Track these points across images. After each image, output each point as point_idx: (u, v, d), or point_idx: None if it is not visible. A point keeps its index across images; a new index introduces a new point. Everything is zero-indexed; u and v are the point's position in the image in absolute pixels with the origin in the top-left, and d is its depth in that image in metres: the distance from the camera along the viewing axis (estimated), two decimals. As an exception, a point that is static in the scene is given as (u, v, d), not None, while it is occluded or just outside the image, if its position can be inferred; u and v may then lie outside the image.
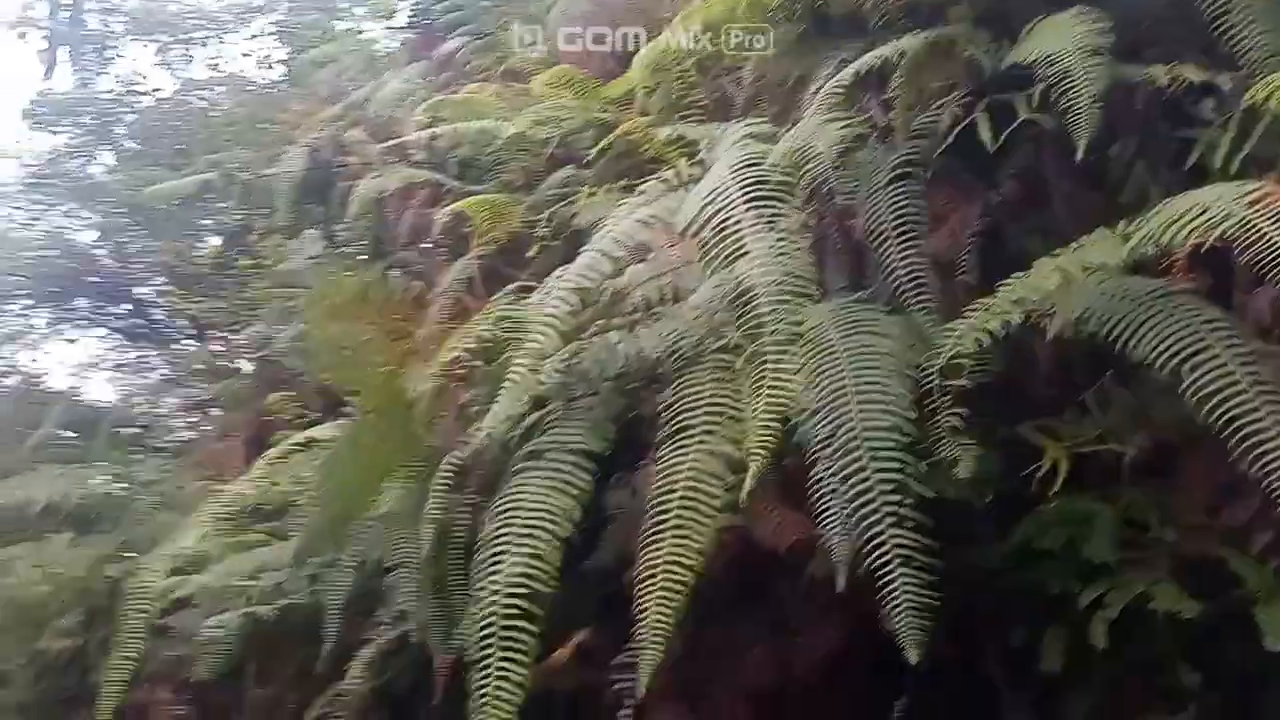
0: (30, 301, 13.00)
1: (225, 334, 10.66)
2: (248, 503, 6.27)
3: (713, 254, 3.29)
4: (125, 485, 8.45)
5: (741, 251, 3.18)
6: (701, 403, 3.29)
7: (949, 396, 3.02)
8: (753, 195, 3.26)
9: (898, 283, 3.40)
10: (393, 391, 4.16)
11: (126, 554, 7.58)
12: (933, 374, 3.07)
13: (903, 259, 3.40)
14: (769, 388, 2.95)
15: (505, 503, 3.41)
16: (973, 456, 2.92)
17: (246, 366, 10.25)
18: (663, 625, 2.93)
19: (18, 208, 13.37)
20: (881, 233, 3.49)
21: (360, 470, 4.37)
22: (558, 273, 3.70)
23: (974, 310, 3.07)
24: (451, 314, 4.91)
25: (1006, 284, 3.06)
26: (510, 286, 4.41)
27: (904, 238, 3.43)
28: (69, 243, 13.45)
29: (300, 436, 5.88)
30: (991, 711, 3.49)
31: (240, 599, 5.75)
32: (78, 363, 13.42)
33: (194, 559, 6.36)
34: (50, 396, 11.65)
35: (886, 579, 2.77)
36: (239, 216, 10.10)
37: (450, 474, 3.86)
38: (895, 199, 3.48)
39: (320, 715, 5.21)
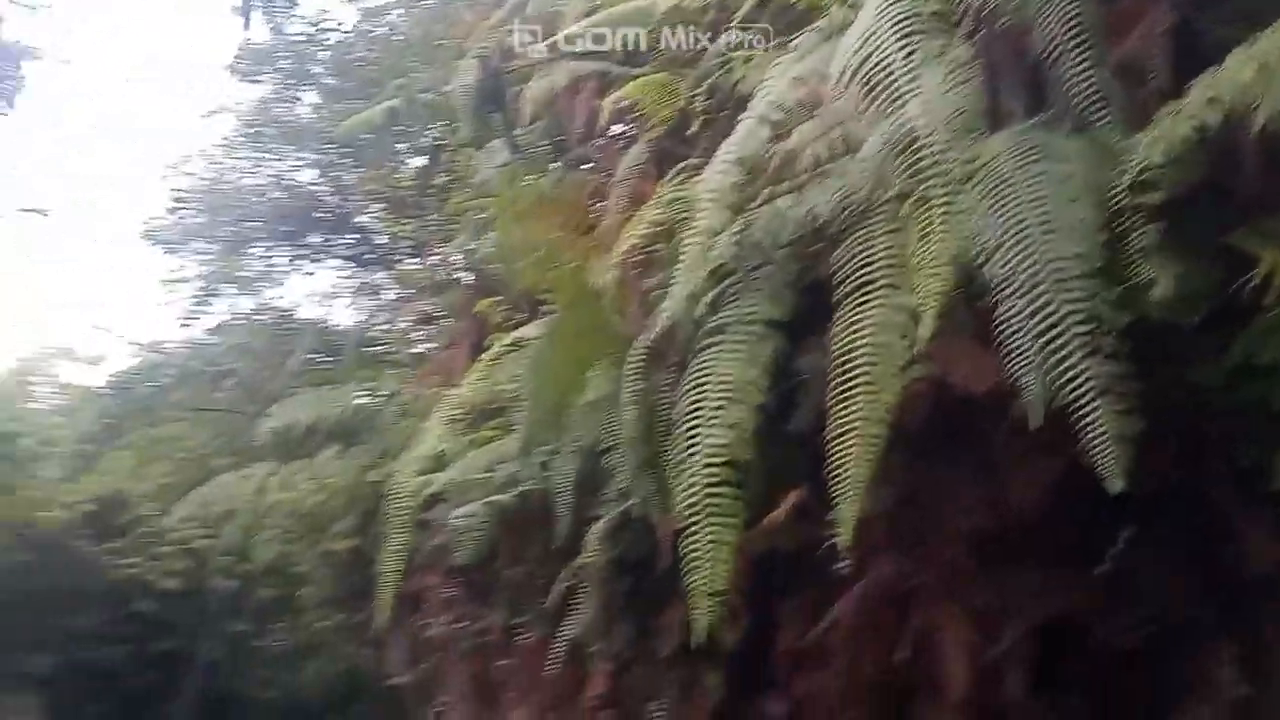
0: (269, 243, 14.20)
1: (439, 249, 11.28)
2: (474, 404, 6.78)
3: (874, 99, 3.17)
4: (374, 399, 9.29)
5: (902, 93, 3.05)
6: (877, 256, 3.23)
7: (1142, 214, 2.81)
8: (906, 32, 3.10)
9: (1078, 100, 3.15)
10: (581, 286, 4.34)
11: (383, 460, 8.39)
12: (1123, 192, 2.87)
13: (1081, 73, 3.14)
14: (939, 231, 2.86)
15: (696, 378, 3.53)
16: (1171, 275, 2.73)
17: (463, 277, 10.86)
18: (858, 480, 2.98)
19: (242, 158, 14.47)
20: (1056, 48, 3.23)
21: (564, 363, 4.62)
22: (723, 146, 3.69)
23: (1163, 117, 2.83)
24: (629, 203, 5.00)
25: (1199, 83, 2.78)
26: (679, 166, 4.43)
27: (1081, 49, 3.16)
28: (292, 183, 14.53)
29: (510, 338, 6.25)
30: (1223, 536, 3.34)
31: (481, 490, 6.26)
32: (318, 293, 14.60)
33: (437, 459, 6.97)
34: (300, 326, 12.88)
35: (1084, 412, 2.67)
36: (431, 135, 10.54)
37: (642, 357, 4.01)
38: (1068, 8, 3.20)
39: (566, 588, 5.66)
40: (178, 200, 14.02)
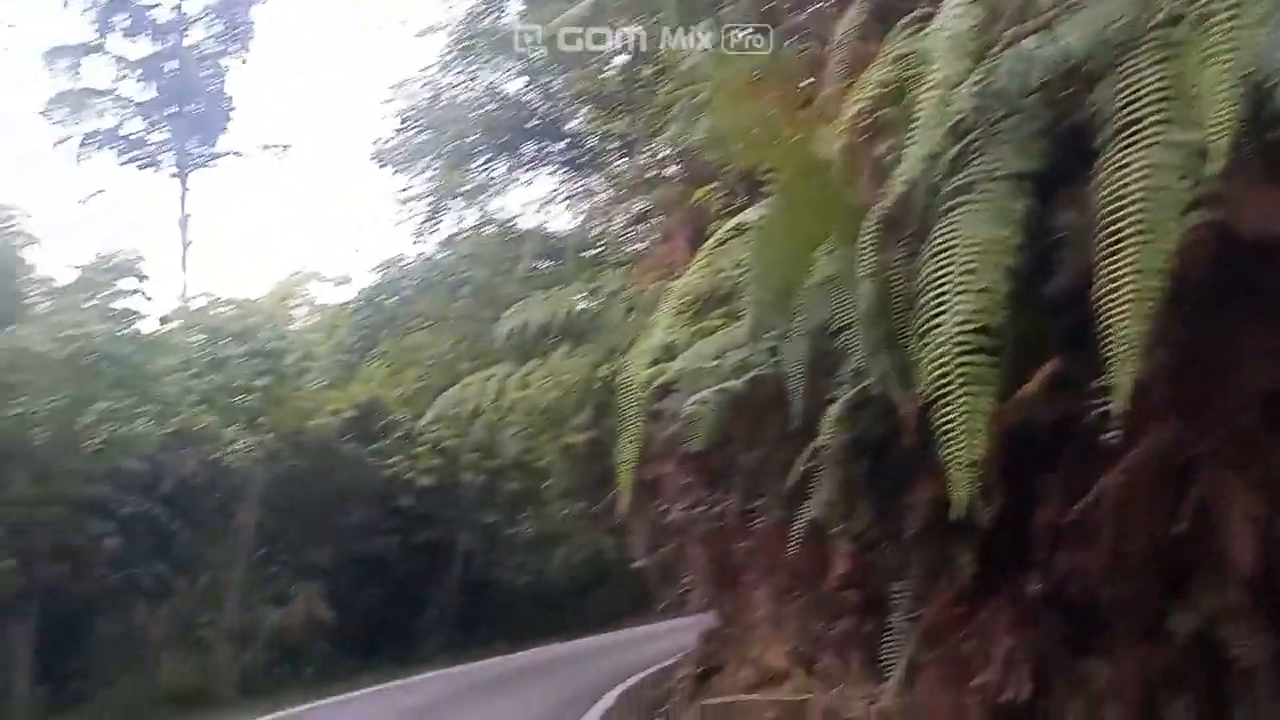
0: (489, 155, 14.65)
1: (649, 144, 11.24)
2: (699, 293, 6.78)
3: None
4: (598, 299, 9.53)
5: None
6: (1147, 91, 2.88)
7: None
8: None
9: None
10: (805, 160, 4.15)
11: (612, 356, 8.62)
12: None
13: None
14: (1224, 51, 2.50)
15: (940, 243, 3.32)
16: None
17: (675, 171, 10.81)
18: (1133, 340, 2.72)
19: (456, 74, 14.88)
20: None
21: (790, 243, 4.48)
22: (954, -11, 3.39)
23: None
24: (849, 68, 4.72)
25: None
26: (905, 20, 4.11)
27: None
28: (503, 95, 14.85)
29: (730, 224, 6.15)
30: None
31: (712, 378, 6.30)
32: (538, 200, 14.99)
33: (666, 350, 7.06)
34: (523, 234, 13.33)
35: None
36: (637, 26, 10.38)
37: (876, 228, 3.82)
38: None
39: (804, 470, 5.64)
40: (402, 121, 14.66)
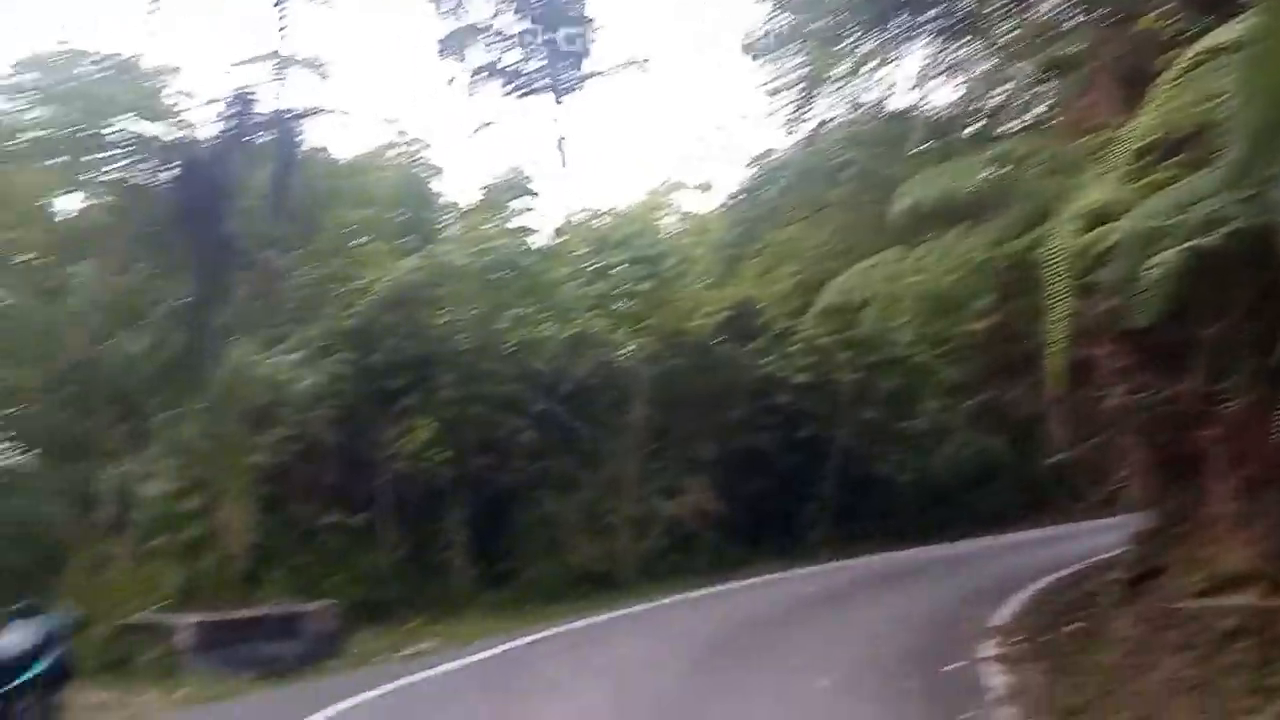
0: (858, 32, 13.81)
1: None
2: (1146, 142, 5.86)
3: None
4: (1002, 169, 8.64)
5: None
6: None
7: None
8: None
9: None
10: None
11: (1024, 229, 7.79)
12: None
13: None
14: None
15: None
16: None
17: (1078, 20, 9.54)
18: None
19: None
20: None
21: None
22: None
23: None
24: None
25: None
26: None
27: None
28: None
29: (1196, 49, 5.18)
30: None
31: (1170, 239, 5.43)
32: (914, 75, 13.95)
33: (1101, 213, 6.22)
34: (904, 112, 12.50)
35: None
36: None
37: None
38: None
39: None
40: (769, 10, 14.16)
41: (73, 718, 7.67)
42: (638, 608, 14.18)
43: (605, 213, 20.16)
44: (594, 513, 17.38)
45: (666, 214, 22.63)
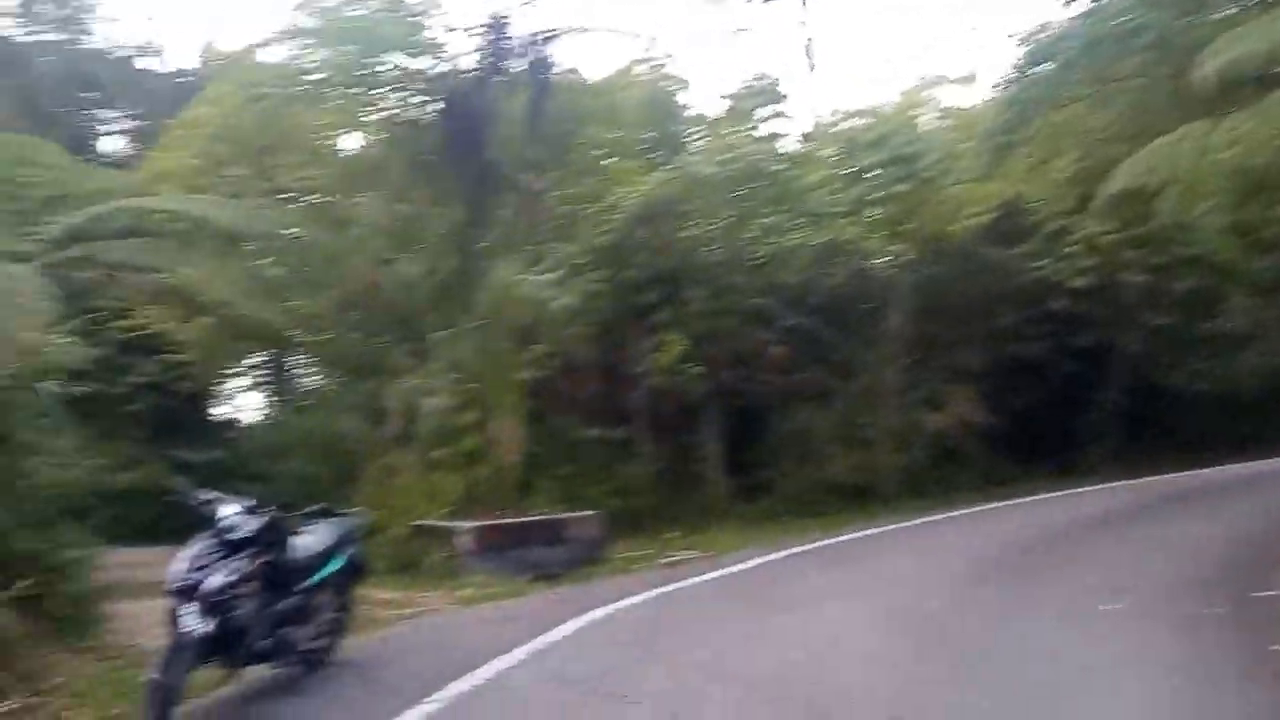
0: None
1: None
2: None
3: None
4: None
5: None
6: None
7: None
8: None
9: None
10: None
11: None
12: None
13: None
14: None
15: None
16: None
17: None
18: None
19: None
20: None
21: None
22: None
23: None
24: None
25: None
26: None
27: None
28: None
29: None
30: None
31: None
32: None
33: None
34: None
35: None
36: None
37: None
38: None
39: None
40: None
41: (369, 612, 8.37)
42: (900, 524, 13.71)
43: (857, 113, 19.14)
44: (850, 425, 16.94)
45: (924, 111, 21.19)
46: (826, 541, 12.38)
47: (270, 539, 5.98)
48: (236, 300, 10.99)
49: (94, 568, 7.45)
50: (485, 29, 14.04)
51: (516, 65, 14.37)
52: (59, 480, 7.61)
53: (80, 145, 20.04)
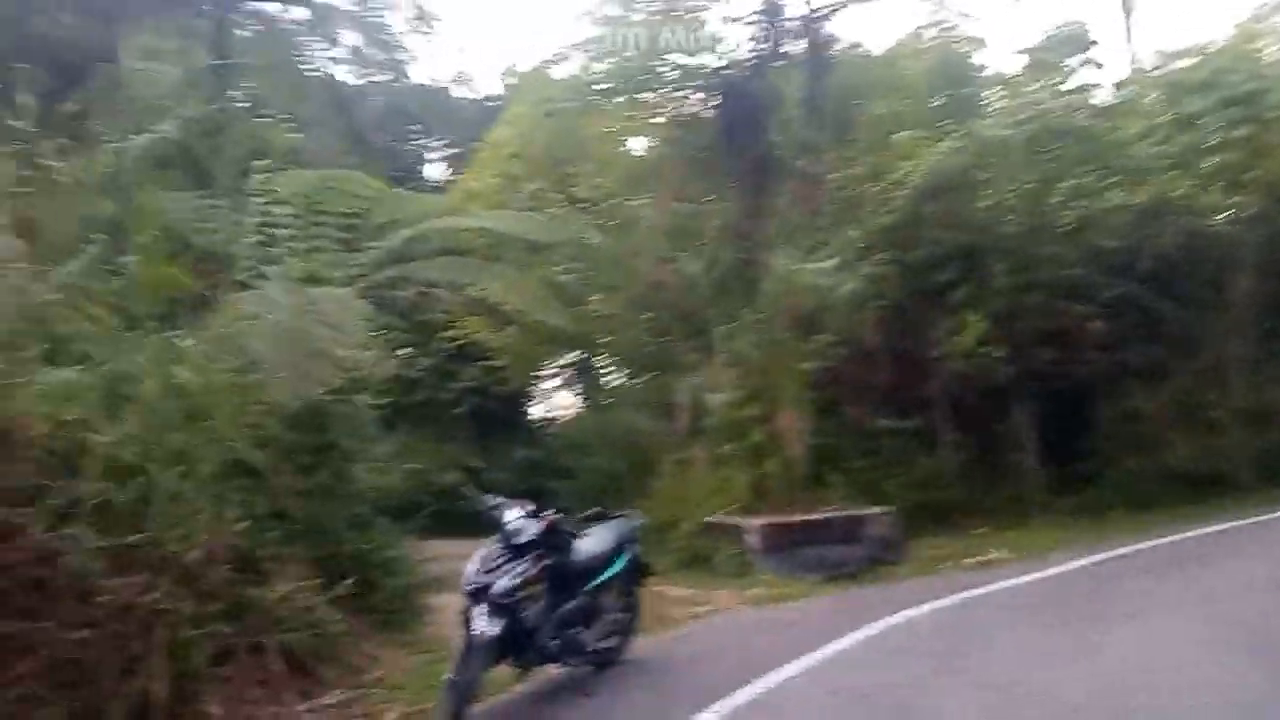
0: None
1: None
2: None
3: None
4: None
5: None
6: None
7: None
8: None
9: None
10: None
11: None
12: None
13: None
14: None
15: None
16: None
17: None
18: None
19: None
20: None
21: None
22: None
23: None
24: None
25: None
26: None
27: None
28: None
29: None
30: None
31: None
32: None
33: None
34: None
35: None
36: None
37: None
38: None
39: None
40: None
41: (661, 609, 8.44)
42: (1254, 518, 11.90)
43: (1183, 52, 16.89)
44: (1191, 405, 14.96)
45: (1266, 42, 18.35)
46: (1162, 540, 10.96)
47: (552, 543, 6.13)
48: (532, 308, 11.57)
49: (413, 563, 8.08)
50: (760, 14, 13.84)
51: (794, 47, 14.05)
52: (378, 484, 8.32)
53: (408, 174, 22.17)
